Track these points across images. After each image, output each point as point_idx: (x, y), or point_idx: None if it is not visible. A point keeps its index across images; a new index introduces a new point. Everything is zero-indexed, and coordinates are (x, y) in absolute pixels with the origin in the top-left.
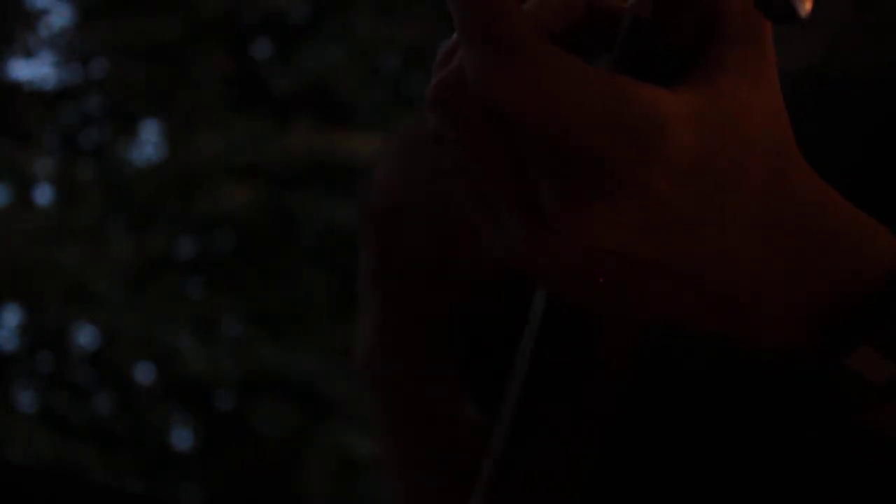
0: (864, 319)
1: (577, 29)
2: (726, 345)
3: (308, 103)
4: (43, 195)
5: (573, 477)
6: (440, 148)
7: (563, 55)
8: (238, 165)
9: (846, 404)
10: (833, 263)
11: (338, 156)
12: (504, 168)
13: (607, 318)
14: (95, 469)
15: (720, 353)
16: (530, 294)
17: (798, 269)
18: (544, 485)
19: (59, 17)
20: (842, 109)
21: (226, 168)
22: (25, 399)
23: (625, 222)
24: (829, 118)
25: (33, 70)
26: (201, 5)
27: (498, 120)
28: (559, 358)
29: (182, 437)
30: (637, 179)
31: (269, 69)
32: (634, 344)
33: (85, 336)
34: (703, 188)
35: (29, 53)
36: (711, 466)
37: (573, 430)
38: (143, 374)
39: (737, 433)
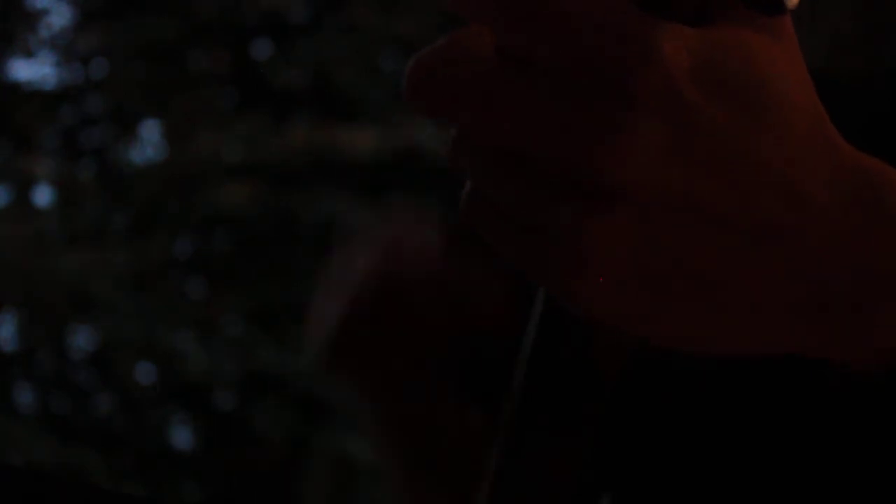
0: None
1: None
2: (811, 369)
3: (308, 99)
4: (43, 196)
5: (570, 478)
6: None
7: None
8: (238, 163)
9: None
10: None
11: (338, 152)
12: (532, 189)
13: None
14: (96, 470)
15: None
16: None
17: (876, 231)
18: (542, 487)
19: (59, 18)
20: (843, 110)
21: (226, 166)
22: (26, 400)
23: (662, 146)
24: (831, 118)
25: (33, 70)
26: (201, 4)
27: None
28: (556, 363)
29: (182, 438)
30: (650, 84)
31: (269, 66)
32: (632, 345)
33: (85, 337)
34: (734, 97)
35: (29, 54)
36: (709, 464)
37: (570, 433)
38: (144, 374)
39: (734, 431)
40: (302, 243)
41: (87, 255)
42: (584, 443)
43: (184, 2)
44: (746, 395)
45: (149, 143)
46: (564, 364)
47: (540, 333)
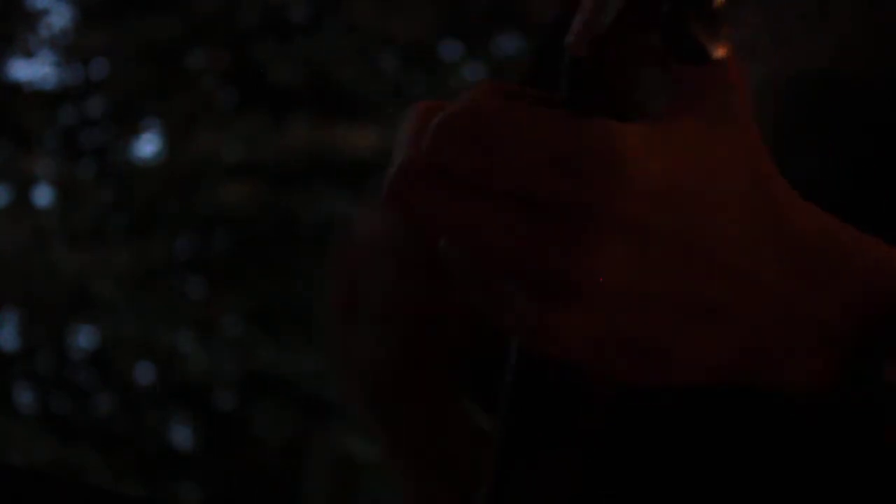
0: (892, 329)
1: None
2: (751, 393)
3: (308, 99)
4: (43, 196)
5: (565, 490)
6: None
7: (506, 106)
8: (237, 163)
9: (873, 426)
10: (846, 282)
11: (338, 151)
12: (494, 244)
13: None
14: (96, 470)
15: None
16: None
17: (813, 291)
18: (538, 498)
19: (59, 18)
20: (850, 110)
21: (225, 166)
22: (26, 400)
23: (622, 259)
24: (837, 119)
25: (33, 70)
26: (200, 3)
27: (468, 194)
28: (547, 378)
29: (182, 438)
30: (615, 212)
31: (268, 65)
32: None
33: (85, 337)
34: (683, 209)
35: (29, 54)
36: (703, 479)
37: (562, 446)
38: (143, 374)
39: (729, 446)
40: (302, 243)
41: (87, 255)
42: (579, 455)
43: (183, 1)
44: (742, 404)
45: (148, 142)
46: (557, 377)
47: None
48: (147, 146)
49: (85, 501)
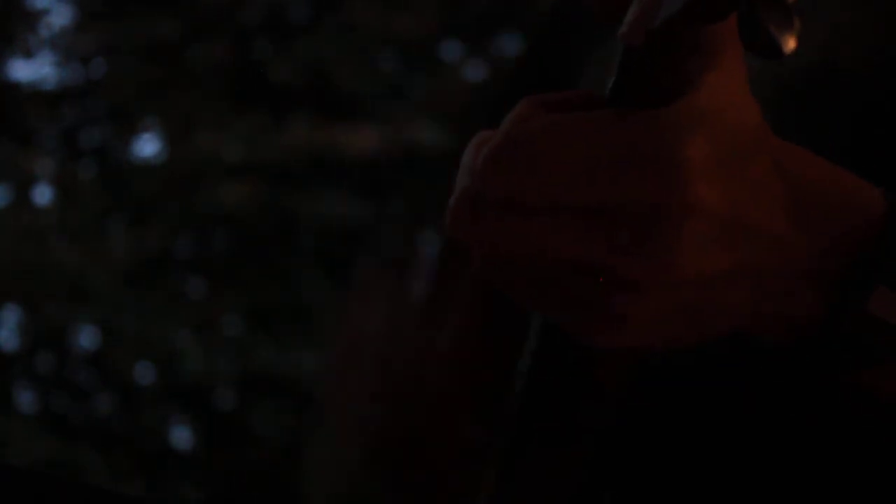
0: (873, 263)
1: None
2: (757, 390)
3: (308, 98)
4: (43, 195)
5: (568, 488)
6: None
7: (548, 125)
8: (237, 162)
9: (856, 365)
10: (829, 216)
11: (338, 151)
12: (555, 256)
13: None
14: (95, 469)
15: (713, 359)
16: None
17: (812, 235)
18: (542, 493)
19: (59, 18)
20: (838, 103)
21: (225, 165)
22: (25, 399)
23: (697, 244)
24: (825, 112)
25: (33, 70)
26: (200, 2)
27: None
28: (555, 375)
29: (182, 438)
30: (684, 202)
31: (268, 64)
32: (630, 358)
33: (84, 336)
34: (731, 180)
35: (29, 53)
36: (707, 472)
37: (568, 443)
38: (143, 374)
39: (731, 440)
40: (302, 243)
41: (87, 254)
42: (585, 450)
43: (184, 1)
44: (744, 402)
45: (148, 142)
46: (564, 372)
47: (540, 342)
48: (147, 146)
49: (85, 501)
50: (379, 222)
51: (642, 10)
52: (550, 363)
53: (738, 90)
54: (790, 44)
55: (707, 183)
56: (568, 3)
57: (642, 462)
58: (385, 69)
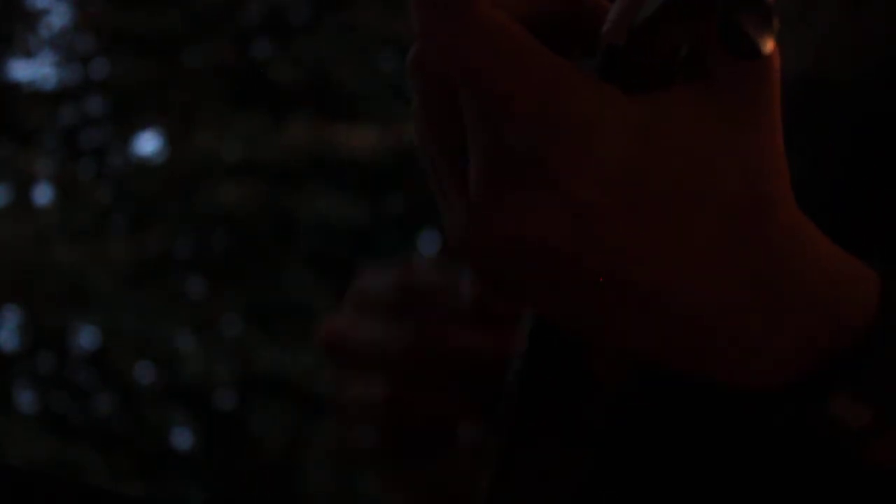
0: (844, 367)
1: (559, 27)
2: (705, 383)
3: (307, 98)
4: (43, 195)
5: (567, 487)
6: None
7: (518, 28)
8: (237, 162)
9: (827, 443)
10: (811, 305)
11: (337, 151)
12: (454, 144)
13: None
14: (95, 469)
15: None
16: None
17: (773, 306)
18: (540, 494)
19: (59, 18)
20: (831, 113)
21: (224, 165)
22: (25, 400)
23: (546, 218)
24: (818, 122)
25: (33, 70)
26: (200, 1)
27: (453, 93)
28: (550, 373)
29: (182, 438)
30: (561, 178)
31: (267, 64)
32: (628, 359)
33: (84, 336)
34: (640, 203)
35: (29, 53)
36: (703, 477)
37: (566, 441)
38: (143, 374)
39: (730, 444)
40: (300, 242)
41: (87, 254)
42: (583, 450)
43: (183, 0)
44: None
45: (148, 141)
46: (562, 371)
47: (535, 341)
48: (147, 145)
49: (85, 501)
50: (377, 222)
51: (625, 9)
52: (547, 361)
53: (740, 125)
54: (768, 45)
55: (597, 182)
56: None
57: (641, 462)
58: (385, 69)
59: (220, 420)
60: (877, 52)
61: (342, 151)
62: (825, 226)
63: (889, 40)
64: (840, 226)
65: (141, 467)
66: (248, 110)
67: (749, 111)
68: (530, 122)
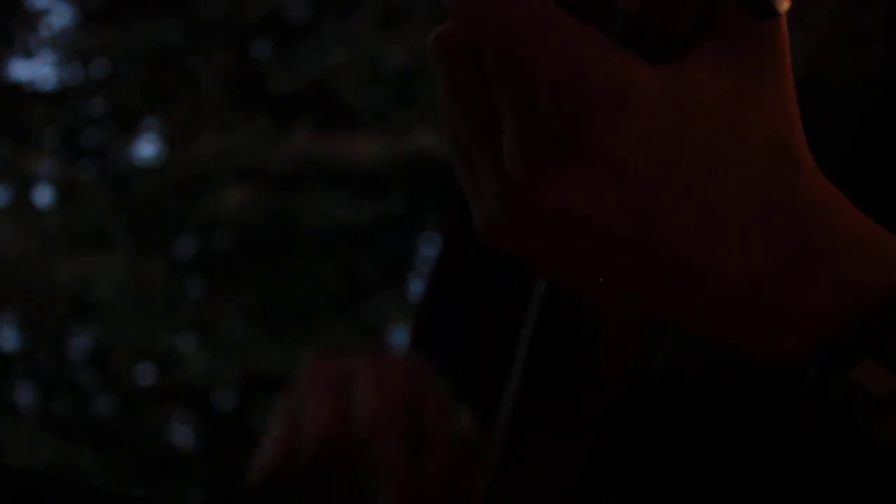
0: (869, 333)
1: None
2: (726, 353)
3: (309, 105)
4: (43, 196)
5: (566, 480)
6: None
7: (548, 3)
8: (239, 167)
9: (846, 413)
10: (837, 271)
11: (338, 158)
12: (485, 124)
13: (602, 321)
14: (95, 471)
15: (718, 361)
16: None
17: (799, 271)
18: (540, 487)
19: (59, 18)
20: (827, 116)
21: (227, 169)
22: (26, 401)
23: (586, 188)
24: (816, 123)
25: (34, 70)
26: (202, 7)
27: (481, 70)
28: (555, 367)
29: (182, 438)
30: (600, 144)
31: (269, 71)
32: (631, 351)
33: (85, 337)
34: (677, 165)
35: (29, 54)
36: (706, 471)
37: (567, 434)
38: (144, 375)
39: (732, 438)
40: (302, 246)
41: (88, 256)
42: (584, 442)
43: (185, 3)
44: (748, 404)
45: (149, 144)
46: (564, 363)
47: (537, 335)
48: (147, 148)
49: (85, 501)
50: (379, 226)
51: None
52: (550, 354)
53: (761, 83)
54: (784, 4)
55: (636, 145)
56: None
57: (641, 457)
58: (386, 76)
59: (220, 420)
60: (875, 52)
61: (344, 159)
62: None
63: (887, 41)
64: None
65: (141, 467)
66: (249, 116)
67: (765, 64)
68: (563, 88)
